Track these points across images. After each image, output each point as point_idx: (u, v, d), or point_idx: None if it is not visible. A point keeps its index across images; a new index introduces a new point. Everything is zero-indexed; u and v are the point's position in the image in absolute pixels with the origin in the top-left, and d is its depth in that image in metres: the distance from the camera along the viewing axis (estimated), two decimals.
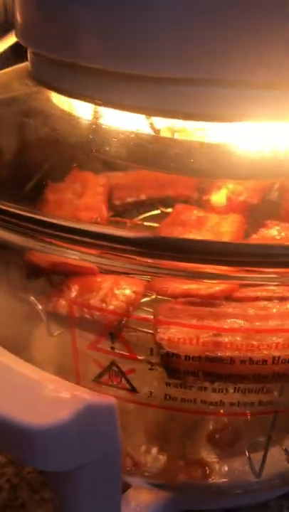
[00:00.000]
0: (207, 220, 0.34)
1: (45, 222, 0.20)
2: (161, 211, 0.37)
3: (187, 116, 0.22)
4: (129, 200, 0.36)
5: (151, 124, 0.22)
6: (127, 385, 0.20)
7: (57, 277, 0.28)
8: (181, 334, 0.21)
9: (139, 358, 0.19)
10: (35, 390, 0.19)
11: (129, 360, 0.20)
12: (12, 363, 0.20)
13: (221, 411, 0.20)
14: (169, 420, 0.24)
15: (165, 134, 0.22)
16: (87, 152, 0.26)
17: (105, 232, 0.20)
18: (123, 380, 0.20)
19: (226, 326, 0.21)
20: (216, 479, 0.26)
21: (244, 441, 0.25)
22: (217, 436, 0.24)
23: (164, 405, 0.21)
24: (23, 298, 0.24)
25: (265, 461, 0.25)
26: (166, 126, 0.23)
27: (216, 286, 0.25)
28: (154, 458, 0.26)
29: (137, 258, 0.20)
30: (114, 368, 0.20)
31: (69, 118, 0.25)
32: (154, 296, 0.26)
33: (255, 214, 0.34)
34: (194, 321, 0.23)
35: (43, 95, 0.26)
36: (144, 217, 0.36)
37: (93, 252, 0.21)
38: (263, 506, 0.29)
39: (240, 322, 0.23)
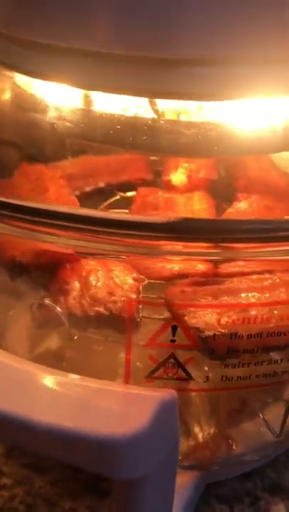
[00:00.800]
0: (175, 200, 0.34)
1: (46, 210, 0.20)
2: (121, 196, 0.36)
3: (184, 96, 0.22)
4: (88, 189, 0.35)
5: (153, 107, 0.22)
6: (184, 374, 0.20)
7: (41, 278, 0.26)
8: (217, 315, 0.21)
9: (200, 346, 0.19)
10: (95, 397, 0.18)
11: (188, 350, 0.19)
12: (59, 376, 0.19)
13: (268, 381, 0.21)
14: (211, 400, 0.24)
15: (169, 116, 0.22)
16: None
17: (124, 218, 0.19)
18: (180, 370, 0.20)
19: (257, 300, 0.21)
20: (240, 449, 0.27)
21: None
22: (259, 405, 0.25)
23: (218, 387, 0.21)
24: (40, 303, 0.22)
25: (285, 422, 0.26)
26: (167, 108, 0.22)
27: (199, 264, 0.26)
28: (184, 440, 0.26)
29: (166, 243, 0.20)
30: (172, 360, 0.20)
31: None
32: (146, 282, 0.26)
33: (216, 189, 0.35)
34: (214, 301, 0.23)
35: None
36: (107, 205, 0.35)
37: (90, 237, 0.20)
38: (274, 461, 0.30)
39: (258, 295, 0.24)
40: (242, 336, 0.19)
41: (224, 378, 0.20)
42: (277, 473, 0.30)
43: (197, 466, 0.26)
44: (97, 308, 0.23)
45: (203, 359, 0.20)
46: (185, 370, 0.20)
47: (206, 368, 0.20)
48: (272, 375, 0.21)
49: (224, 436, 0.27)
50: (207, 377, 0.20)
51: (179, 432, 0.20)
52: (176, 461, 0.21)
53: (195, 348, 0.19)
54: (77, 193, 0.35)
